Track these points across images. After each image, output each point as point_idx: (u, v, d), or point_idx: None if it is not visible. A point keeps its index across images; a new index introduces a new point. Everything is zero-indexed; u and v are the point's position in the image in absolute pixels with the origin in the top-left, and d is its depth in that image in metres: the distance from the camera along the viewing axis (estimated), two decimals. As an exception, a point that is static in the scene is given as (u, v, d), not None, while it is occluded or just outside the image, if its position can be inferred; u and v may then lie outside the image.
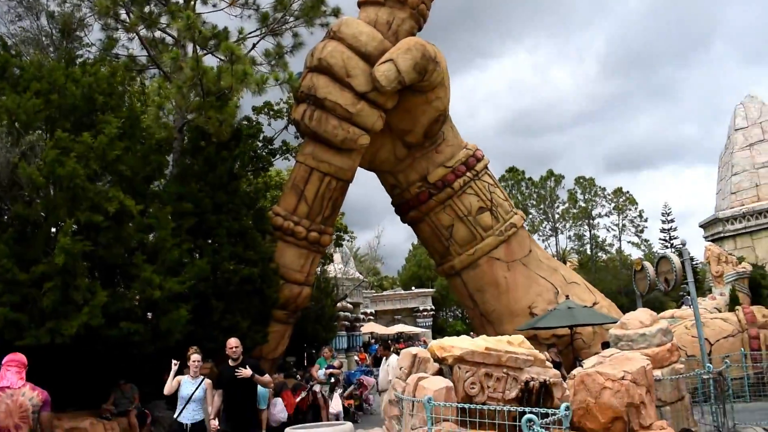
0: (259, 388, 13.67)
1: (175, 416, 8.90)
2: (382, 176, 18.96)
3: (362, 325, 38.05)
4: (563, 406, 5.81)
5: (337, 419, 13.47)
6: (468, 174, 17.97)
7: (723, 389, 11.71)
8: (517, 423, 6.71)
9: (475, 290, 18.38)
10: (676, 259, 13.23)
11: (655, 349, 11.63)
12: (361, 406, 15.58)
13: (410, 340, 38.21)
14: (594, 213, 58.17)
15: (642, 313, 12.58)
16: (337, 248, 29.24)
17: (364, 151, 16.58)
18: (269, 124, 20.88)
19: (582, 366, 10.60)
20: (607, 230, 59.27)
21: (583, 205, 57.70)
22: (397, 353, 28.05)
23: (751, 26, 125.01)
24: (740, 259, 26.38)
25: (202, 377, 8.96)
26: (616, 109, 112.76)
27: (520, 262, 18.27)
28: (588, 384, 9.82)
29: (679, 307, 19.97)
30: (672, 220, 53.30)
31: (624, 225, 57.94)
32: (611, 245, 58.85)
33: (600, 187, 58.04)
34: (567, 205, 58.08)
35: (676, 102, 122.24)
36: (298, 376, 17.06)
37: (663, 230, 53.66)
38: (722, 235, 31.33)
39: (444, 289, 50.98)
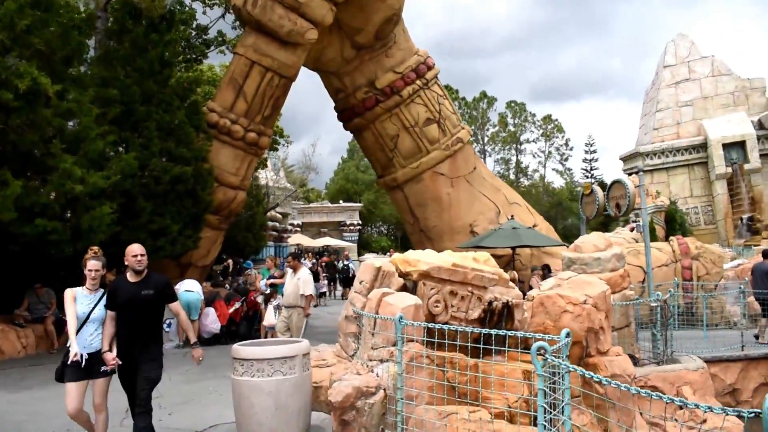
0: (190, 294, 12.73)
1: (67, 345, 6.06)
2: (326, 78, 17.71)
3: (289, 237, 37.22)
4: (564, 332, 5.19)
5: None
6: (418, 82, 17.06)
7: (667, 317, 11.67)
8: (480, 345, 6.17)
9: (417, 205, 17.79)
10: (630, 184, 12.87)
11: (608, 274, 11.34)
12: (294, 318, 14.88)
13: (336, 253, 37.75)
14: (522, 138, 58.51)
15: (596, 237, 12.27)
16: (271, 153, 27.86)
17: (310, 47, 15.27)
18: (204, 13, 19.00)
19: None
20: (533, 156, 59.97)
21: (513, 129, 57.85)
22: (323, 266, 27.47)
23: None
24: (658, 193, 27.16)
25: (102, 291, 6.23)
26: (546, 38, 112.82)
27: (464, 178, 17.73)
28: (548, 306, 9.37)
29: (631, 231, 20.35)
30: (594, 151, 54.48)
31: (550, 152, 58.66)
32: (536, 171, 59.68)
33: (530, 112, 58.23)
34: (497, 128, 58.10)
35: (604, 36, 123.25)
36: (226, 285, 16.17)
37: (585, 160, 54.81)
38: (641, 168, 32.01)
39: (371, 204, 50.57)
